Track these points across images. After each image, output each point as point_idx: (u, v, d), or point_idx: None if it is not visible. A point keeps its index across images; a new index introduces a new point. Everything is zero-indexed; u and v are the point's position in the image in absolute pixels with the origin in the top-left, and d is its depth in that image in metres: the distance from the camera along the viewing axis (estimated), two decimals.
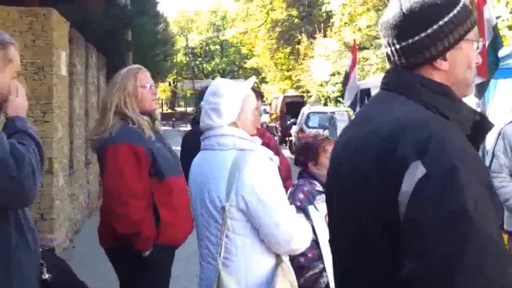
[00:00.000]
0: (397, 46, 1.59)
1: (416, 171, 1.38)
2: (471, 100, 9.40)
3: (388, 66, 1.71)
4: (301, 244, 2.57)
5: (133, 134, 3.25)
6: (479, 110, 7.29)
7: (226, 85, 2.65)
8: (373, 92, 12.21)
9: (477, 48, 1.62)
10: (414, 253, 1.35)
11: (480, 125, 1.59)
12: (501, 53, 8.83)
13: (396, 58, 1.60)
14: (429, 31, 1.54)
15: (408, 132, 1.43)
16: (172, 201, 3.28)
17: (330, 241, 1.76)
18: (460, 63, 1.58)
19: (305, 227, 2.64)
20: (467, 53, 1.59)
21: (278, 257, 2.55)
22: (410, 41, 1.56)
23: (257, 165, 2.49)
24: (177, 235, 3.34)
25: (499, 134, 4.28)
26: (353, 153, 1.57)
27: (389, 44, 1.62)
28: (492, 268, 1.32)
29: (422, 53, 1.56)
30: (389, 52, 1.63)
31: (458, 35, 1.56)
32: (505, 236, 3.90)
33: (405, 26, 1.57)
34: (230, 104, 2.60)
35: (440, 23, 1.54)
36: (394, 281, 1.39)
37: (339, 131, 14.93)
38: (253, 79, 2.79)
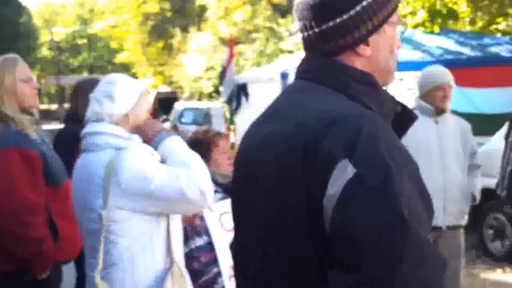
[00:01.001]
0: (316, 30, 1.45)
1: (344, 171, 1.26)
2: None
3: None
4: (206, 183, 2.42)
5: (20, 137, 2.81)
6: None
7: (124, 76, 2.59)
8: (250, 87, 12.07)
9: (401, 32, 1.54)
10: (344, 265, 1.24)
11: (401, 117, 1.51)
12: None
13: (315, 43, 1.47)
14: (351, 12, 1.42)
15: (335, 127, 1.31)
16: (69, 209, 2.79)
17: (234, 247, 1.62)
18: (383, 48, 1.48)
19: (196, 167, 2.45)
20: (390, 37, 1.48)
21: (169, 261, 2.45)
22: (331, 23, 1.43)
23: (136, 159, 2.37)
24: (75, 249, 2.97)
25: None
26: (275, 151, 1.39)
27: (306, 27, 1.47)
28: (430, 275, 1.25)
29: (344, 38, 1.43)
30: (306, 37, 1.48)
31: (382, 17, 1.45)
32: None
33: (325, 7, 1.44)
34: (126, 93, 2.49)
35: (364, 3, 1.43)
36: None
37: (215, 128, 14.70)
38: (148, 81, 2.48)
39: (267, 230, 1.43)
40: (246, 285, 1.56)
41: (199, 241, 2.96)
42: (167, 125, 20.46)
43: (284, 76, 10.73)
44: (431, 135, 4.23)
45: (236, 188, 1.59)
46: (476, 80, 8.22)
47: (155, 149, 2.53)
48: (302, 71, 1.52)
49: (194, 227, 2.94)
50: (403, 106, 1.53)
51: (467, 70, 8.33)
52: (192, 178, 2.38)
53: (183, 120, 19.26)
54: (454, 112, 8.30)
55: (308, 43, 1.50)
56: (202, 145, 3.18)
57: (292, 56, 12.51)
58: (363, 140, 1.28)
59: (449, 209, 4.16)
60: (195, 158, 2.50)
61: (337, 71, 1.44)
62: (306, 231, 1.32)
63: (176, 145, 2.53)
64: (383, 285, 1.22)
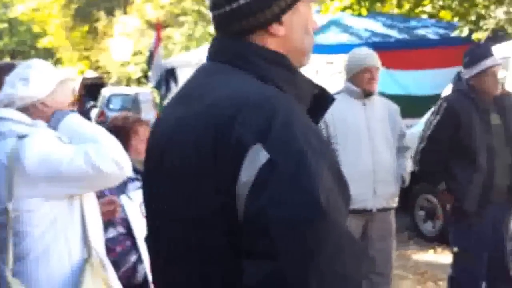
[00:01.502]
0: (227, 8, 1.38)
1: (257, 157, 1.19)
2: None
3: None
4: (118, 153, 2.33)
5: None
6: None
7: (44, 62, 2.51)
8: (179, 71, 11.89)
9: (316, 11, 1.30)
10: (259, 257, 1.17)
11: (319, 100, 1.44)
12: None
13: (226, 22, 1.40)
14: None
15: (247, 111, 1.24)
16: None
17: (148, 240, 1.52)
18: (297, 27, 1.41)
19: (103, 140, 2.35)
20: (305, 16, 1.42)
21: (87, 250, 2.36)
22: (242, 2, 1.36)
23: (40, 144, 2.27)
24: None
25: None
26: (185, 137, 1.32)
27: (216, 5, 1.40)
28: (347, 265, 1.19)
29: (255, 16, 1.37)
30: (217, 16, 1.41)
31: None
32: None
33: None
34: (42, 78, 2.40)
35: None
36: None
37: (143, 114, 14.41)
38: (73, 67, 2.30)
39: (178, 220, 1.35)
40: (159, 278, 1.48)
41: (113, 232, 2.92)
42: (94, 111, 19.93)
43: None
44: (360, 117, 4.17)
45: (147, 176, 1.51)
46: (404, 62, 8.30)
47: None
48: (213, 52, 1.44)
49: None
50: (321, 89, 1.46)
51: (395, 52, 8.41)
52: (101, 151, 2.30)
53: (111, 106, 18.80)
54: (383, 94, 8.42)
55: (219, 23, 1.42)
56: (121, 132, 3.08)
57: None
58: (277, 124, 1.21)
59: (379, 191, 4.11)
60: (99, 131, 2.43)
61: (248, 52, 1.38)
62: (219, 221, 1.26)
63: (75, 122, 2.45)
64: (298, 276, 1.16)
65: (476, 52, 4.03)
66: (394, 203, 4.25)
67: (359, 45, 7.77)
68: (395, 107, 4.34)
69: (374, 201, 4.11)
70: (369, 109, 4.19)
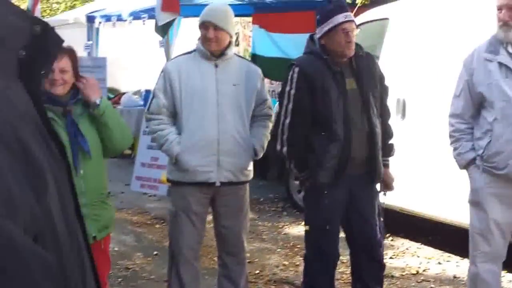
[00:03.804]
0: None
1: None
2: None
3: None
4: None
5: None
6: (162, 49, 6.78)
7: None
8: (58, 31, 10.98)
9: None
10: None
11: (45, 42, 0.94)
12: None
13: None
14: None
15: None
16: None
17: None
18: None
19: None
20: None
21: None
22: None
23: None
24: None
25: (162, 72, 3.81)
26: None
27: None
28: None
29: None
30: None
31: None
32: None
33: None
34: None
35: None
36: None
37: None
38: None
39: None
40: None
41: None
42: None
43: (90, 19, 9.87)
44: (209, 80, 3.74)
45: None
46: (284, 25, 7.96)
47: None
48: None
49: None
50: (44, 25, 0.96)
51: (274, 15, 8.06)
52: None
53: None
54: (262, 57, 8.10)
55: None
56: None
57: None
58: None
59: (224, 164, 3.70)
60: None
61: None
62: None
63: None
64: None
65: (326, 9, 3.65)
66: (245, 177, 3.85)
67: (237, 6, 7.41)
68: (256, 71, 3.92)
69: (219, 174, 3.71)
70: (221, 71, 3.76)
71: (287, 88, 3.62)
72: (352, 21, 3.59)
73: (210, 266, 4.94)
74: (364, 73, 3.65)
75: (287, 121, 3.58)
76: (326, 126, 3.55)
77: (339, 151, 3.53)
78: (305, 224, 3.78)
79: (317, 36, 3.64)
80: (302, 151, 3.62)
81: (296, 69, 3.59)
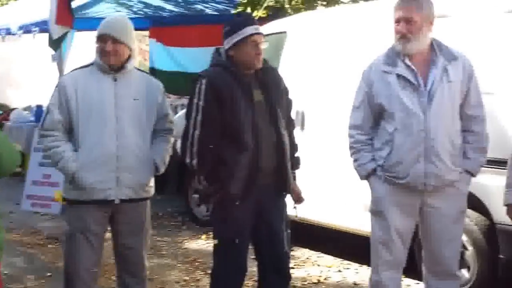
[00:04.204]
0: None
1: None
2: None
3: None
4: None
5: None
6: (55, 63, 6.56)
7: None
8: None
9: None
10: None
11: None
12: (78, 2, 8.18)
13: None
14: None
15: None
16: None
17: None
18: None
19: None
20: None
21: None
22: None
23: None
24: None
25: (57, 86, 3.68)
26: None
27: None
28: None
29: None
30: None
31: None
32: None
33: None
34: None
35: None
36: None
37: None
38: None
39: None
40: None
41: None
42: None
43: None
44: (107, 95, 3.62)
45: None
46: (182, 39, 7.94)
47: None
48: None
49: None
50: None
51: (172, 28, 8.03)
52: None
53: None
54: (160, 71, 7.97)
55: None
56: None
57: None
58: None
59: (124, 180, 3.58)
60: None
61: None
62: None
63: None
64: None
65: (236, 21, 3.62)
66: (146, 193, 3.73)
67: (134, 19, 7.27)
68: (157, 85, 3.83)
69: (118, 191, 3.57)
70: (120, 85, 3.65)
71: (195, 100, 3.53)
72: (261, 33, 3.58)
73: (107, 286, 4.76)
74: (270, 85, 3.64)
75: (197, 132, 3.49)
76: (236, 137, 3.50)
77: (249, 161, 3.49)
78: (214, 238, 3.68)
79: (225, 47, 3.58)
80: (212, 163, 3.55)
81: (204, 81, 3.52)
